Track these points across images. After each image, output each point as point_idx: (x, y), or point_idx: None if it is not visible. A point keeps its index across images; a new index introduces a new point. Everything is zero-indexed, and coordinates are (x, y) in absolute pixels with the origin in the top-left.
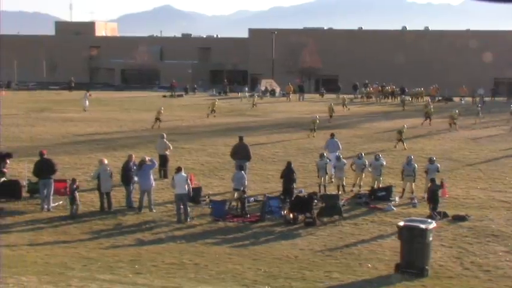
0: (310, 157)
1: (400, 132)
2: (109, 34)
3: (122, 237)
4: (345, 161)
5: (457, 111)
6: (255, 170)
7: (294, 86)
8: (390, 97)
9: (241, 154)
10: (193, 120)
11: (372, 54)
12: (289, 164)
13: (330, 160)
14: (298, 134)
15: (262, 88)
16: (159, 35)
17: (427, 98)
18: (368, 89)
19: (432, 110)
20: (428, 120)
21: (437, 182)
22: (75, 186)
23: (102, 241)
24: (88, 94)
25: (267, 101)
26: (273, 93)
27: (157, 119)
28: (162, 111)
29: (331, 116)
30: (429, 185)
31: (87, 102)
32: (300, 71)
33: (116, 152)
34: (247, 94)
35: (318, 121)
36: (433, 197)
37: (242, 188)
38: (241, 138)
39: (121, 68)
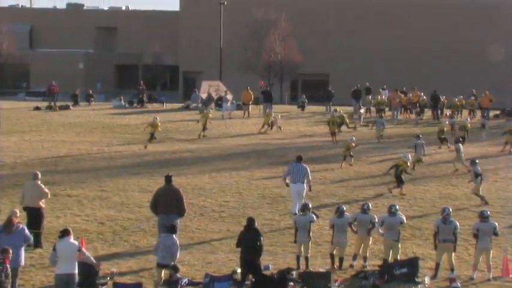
0: (282, 209)
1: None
2: None
3: None
4: (348, 214)
5: None
6: (192, 231)
7: (255, 93)
8: (413, 111)
9: (168, 205)
10: (87, 149)
11: (379, 41)
12: (250, 222)
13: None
14: (261, 171)
15: (203, 95)
16: (28, 6)
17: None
18: (379, 98)
19: (468, 127)
20: (448, 147)
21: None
22: None
23: None
24: None
25: (213, 116)
26: (220, 104)
27: (152, 134)
28: (159, 123)
29: (333, 135)
30: (482, 256)
31: None
32: (265, 67)
33: None
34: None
35: (353, 144)
36: None
37: (171, 264)
38: (169, 179)
39: None
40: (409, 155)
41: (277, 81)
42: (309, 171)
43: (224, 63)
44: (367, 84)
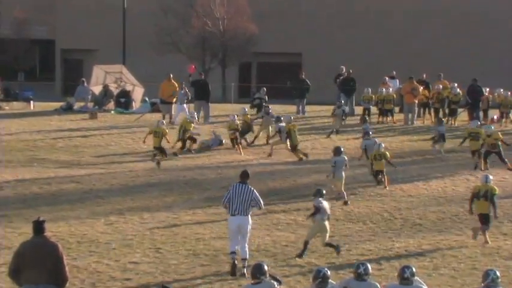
0: (225, 274)
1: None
2: None
3: None
4: (333, 283)
5: None
6: None
7: (180, 84)
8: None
9: (39, 270)
10: None
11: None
12: None
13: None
14: (192, 213)
15: (95, 89)
16: None
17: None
18: (383, 92)
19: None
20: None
21: None
22: None
23: None
24: None
25: (114, 122)
26: (125, 102)
27: (161, 150)
28: (166, 130)
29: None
30: None
31: None
32: (198, 42)
33: None
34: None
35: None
36: None
37: None
38: (39, 228)
39: None
40: None
41: (217, 64)
42: (256, 195)
43: (130, 38)
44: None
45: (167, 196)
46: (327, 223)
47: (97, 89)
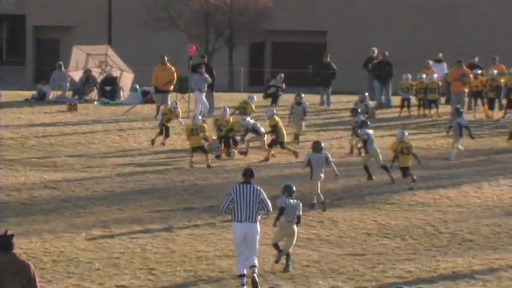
0: None
1: None
2: None
3: None
4: None
5: None
6: None
7: (178, 70)
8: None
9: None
10: None
11: None
12: None
13: None
14: (193, 224)
15: (74, 75)
16: None
17: None
18: (423, 79)
19: None
20: None
21: None
22: None
23: None
24: None
25: (98, 115)
26: (110, 91)
27: (166, 129)
28: (206, 125)
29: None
30: None
31: None
32: (199, 18)
33: None
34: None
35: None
36: None
37: None
38: (7, 244)
39: None
40: None
41: (223, 45)
42: (264, 196)
43: (116, 12)
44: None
45: (162, 205)
46: (295, 227)
47: (77, 75)
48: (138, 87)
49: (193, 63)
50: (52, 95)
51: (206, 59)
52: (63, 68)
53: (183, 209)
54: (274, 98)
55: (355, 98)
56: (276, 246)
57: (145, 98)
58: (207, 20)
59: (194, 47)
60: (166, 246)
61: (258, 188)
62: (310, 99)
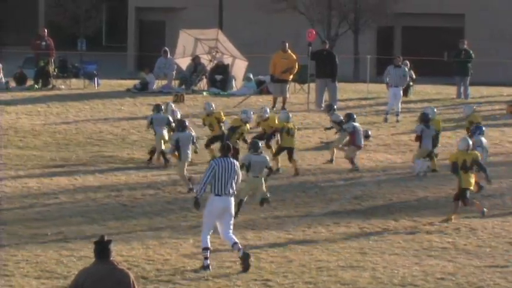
0: None
1: None
2: None
3: None
4: None
5: None
6: None
7: (299, 58)
8: None
9: None
10: None
11: None
12: None
13: None
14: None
15: (181, 62)
16: None
17: None
18: None
19: None
20: None
21: None
22: None
23: None
24: None
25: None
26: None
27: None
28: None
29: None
30: None
31: None
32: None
33: None
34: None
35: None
36: None
37: None
38: (104, 251)
39: None
40: None
41: (348, 30)
42: (238, 168)
43: None
44: None
45: (278, 209)
46: (262, 180)
47: (184, 62)
48: (252, 76)
49: (312, 51)
50: (156, 84)
51: (328, 45)
52: (168, 55)
53: (302, 213)
54: (405, 91)
55: (497, 89)
56: (240, 202)
57: (261, 88)
58: (330, 1)
59: (314, 32)
60: (283, 255)
61: (235, 161)
62: (444, 90)
